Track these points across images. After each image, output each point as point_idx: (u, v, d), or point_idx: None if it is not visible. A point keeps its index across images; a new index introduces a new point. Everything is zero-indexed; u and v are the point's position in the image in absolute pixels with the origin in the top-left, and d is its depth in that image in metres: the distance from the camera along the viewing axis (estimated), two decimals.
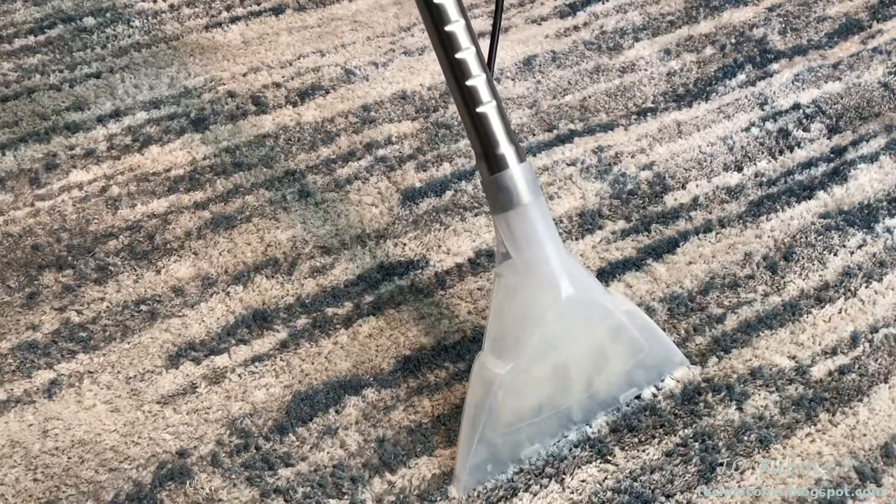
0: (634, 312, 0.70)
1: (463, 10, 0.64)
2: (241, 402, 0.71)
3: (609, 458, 0.66)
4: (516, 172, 0.64)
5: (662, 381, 0.71)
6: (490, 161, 0.64)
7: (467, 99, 0.64)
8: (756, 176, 0.89)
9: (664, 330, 0.75)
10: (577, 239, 0.83)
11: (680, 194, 0.87)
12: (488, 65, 0.66)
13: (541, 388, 0.66)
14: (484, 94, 0.64)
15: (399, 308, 0.78)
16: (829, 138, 0.93)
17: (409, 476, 0.66)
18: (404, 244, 0.83)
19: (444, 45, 0.64)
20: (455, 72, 0.64)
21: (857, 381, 0.71)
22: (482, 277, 0.80)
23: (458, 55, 0.63)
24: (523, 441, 0.67)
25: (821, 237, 0.82)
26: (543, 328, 0.65)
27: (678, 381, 0.71)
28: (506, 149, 0.64)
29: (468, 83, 0.64)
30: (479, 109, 0.64)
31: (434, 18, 0.63)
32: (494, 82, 0.66)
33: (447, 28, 0.63)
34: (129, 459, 0.68)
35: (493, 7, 1.14)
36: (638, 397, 0.70)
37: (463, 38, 0.64)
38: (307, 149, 0.94)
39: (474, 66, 0.64)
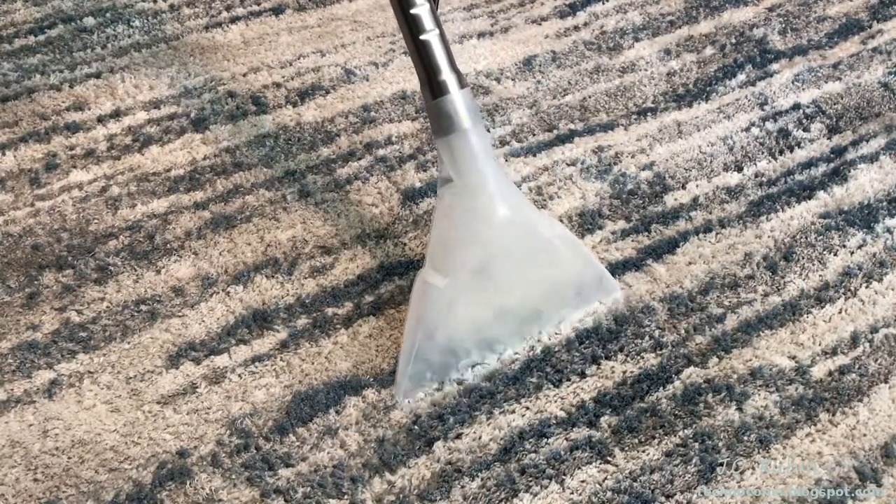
0: (568, 237, 0.75)
1: None
2: (241, 402, 0.71)
3: (609, 458, 0.66)
4: (457, 98, 0.69)
5: (595, 306, 0.76)
6: (433, 87, 0.69)
7: (412, 27, 0.70)
8: (756, 176, 0.89)
9: (662, 330, 0.75)
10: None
11: (680, 194, 0.87)
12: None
13: (477, 302, 0.71)
14: (427, 22, 0.69)
15: (399, 308, 0.78)
16: (829, 138, 0.93)
17: (408, 476, 0.66)
18: (404, 244, 0.83)
19: None
20: (401, 1, 0.70)
21: (857, 381, 0.71)
22: None
23: None
24: (461, 352, 0.71)
25: (821, 237, 0.82)
26: (479, 246, 0.70)
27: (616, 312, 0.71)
28: (447, 75, 0.69)
29: (412, 11, 0.69)
30: (422, 37, 0.69)
31: None
32: (438, 14, 0.72)
33: None
34: (130, 459, 0.68)
35: (493, 7, 1.14)
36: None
37: None
38: (307, 149, 0.94)
39: None
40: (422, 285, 0.71)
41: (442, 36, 0.70)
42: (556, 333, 0.74)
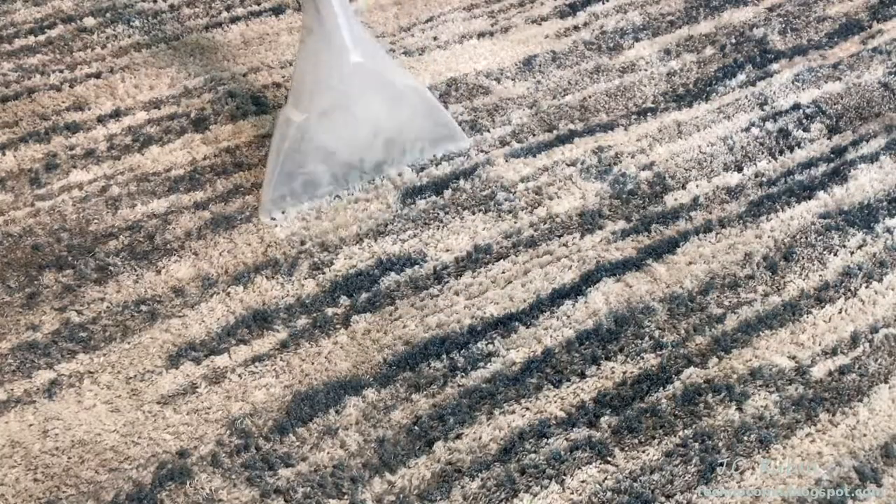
0: (419, 89, 0.85)
1: None
2: (242, 402, 0.71)
3: (609, 458, 0.66)
4: None
5: (444, 153, 0.88)
6: None
7: None
8: (756, 176, 0.89)
9: (662, 330, 0.75)
10: (577, 239, 0.83)
11: (680, 194, 0.87)
12: None
13: (331, 137, 0.82)
14: None
15: (397, 304, 0.78)
16: (829, 138, 0.93)
17: (408, 476, 0.66)
18: (403, 241, 0.83)
19: None
20: None
21: (857, 381, 0.71)
22: (480, 274, 0.80)
23: None
24: (318, 180, 0.83)
25: (821, 237, 0.82)
26: (334, 86, 0.80)
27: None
28: None
29: None
30: None
31: None
32: None
33: None
34: (130, 459, 0.68)
35: (493, 7, 1.14)
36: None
37: None
38: None
39: None
40: (282, 120, 0.81)
41: None
42: (399, 175, 0.86)
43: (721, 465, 0.66)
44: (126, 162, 0.93)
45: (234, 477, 0.67)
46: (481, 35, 1.09)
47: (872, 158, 0.90)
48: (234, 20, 1.11)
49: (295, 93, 0.81)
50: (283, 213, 0.83)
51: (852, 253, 0.81)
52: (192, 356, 0.75)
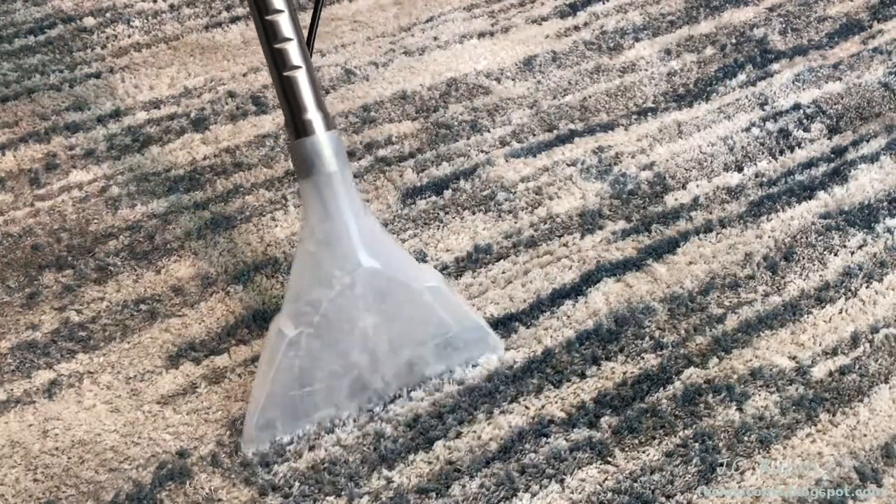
0: (441, 291, 0.70)
1: None
2: (241, 401, 0.71)
3: (609, 458, 0.66)
4: (322, 139, 0.65)
5: (475, 364, 0.73)
6: (297, 126, 0.65)
7: (277, 62, 0.66)
8: (756, 176, 0.89)
9: (662, 330, 0.75)
10: (577, 239, 0.83)
11: (680, 194, 0.87)
12: (308, 42, 0.69)
13: (333, 354, 0.67)
14: (294, 58, 0.65)
15: None
16: (829, 138, 0.93)
17: (406, 472, 0.66)
18: (403, 241, 0.83)
19: (259, 7, 0.66)
20: (267, 34, 0.66)
21: (857, 381, 0.71)
22: (480, 274, 0.80)
23: (269, 17, 0.65)
24: (317, 403, 0.68)
25: (821, 237, 0.82)
26: (336, 296, 0.66)
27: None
28: (313, 115, 0.65)
29: (277, 46, 0.65)
30: (286, 73, 0.66)
31: None
32: (307, 50, 0.67)
33: None
34: (129, 459, 0.68)
35: (493, 7, 1.14)
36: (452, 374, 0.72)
37: (277, 2, 0.65)
38: None
39: (286, 29, 0.66)
40: (275, 333, 0.67)
41: (310, 72, 0.66)
42: (428, 391, 0.72)
43: (721, 465, 0.66)
44: (126, 162, 0.93)
45: (233, 477, 0.67)
46: (481, 35, 1.09)
47: (873, 158, 0.90)
48: (234, 20, 1.11)
49: (290, 302, 0.67)
50: (270, 445, 0.68)
51: (853, 253, 0.81)
52: (191, 356, 0.75)
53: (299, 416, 0.68)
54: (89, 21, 1.11)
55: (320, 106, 0.66)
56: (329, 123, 0.66)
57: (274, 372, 0.66)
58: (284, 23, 0.65)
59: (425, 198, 0.88)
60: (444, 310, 0.70)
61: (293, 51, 0.65)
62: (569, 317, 0.76)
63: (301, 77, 0.65)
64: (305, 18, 1.12)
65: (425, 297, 0.69)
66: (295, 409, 0.68)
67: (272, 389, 0.66)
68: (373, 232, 0.67)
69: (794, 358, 0.72)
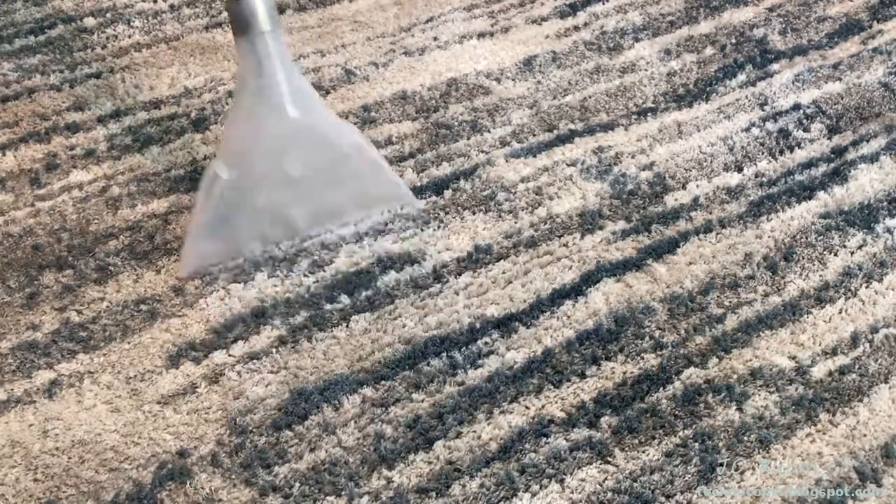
0: (361, 146, 0.79)
1: None
2: (240, 400, 0.71)
3: (609, 458, 0.66)
4: (257, 0, 0.73)
5: (390, 212, 0.82)
6: None
7: None
8: (756, 176, 0.89)
9: (662, 330, 0.75)
10: (577, 239, 0.83)
11: (680, 194, 0.87)
12: None
13: (261, 193, 0.77)
14: None
15: (396, 303, 0.78)
16: (829, 138, 0.93)
17: (406, 472, 0.66)
18: (402, 240, 0.83)
19: None
20: None
21: (857, 381, 0.71)
22: (480, 274, 0.80)
23: None
24: (243, 237, 0.78)
25: (821, 237, 0.82)
26: (266, 142, 0.76)
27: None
28: None
29: None
30: None
31: None
32: None
33: None
34: (130, 459, 0.68)
35: (493, 7, 1.14)
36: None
37: None
38: None
39: None
40: (209, 175, 0.76)
41: None
42: (339, 234, 0.81)
43: (721, 465, 0.66)
44: (126, 162, 0.93)
45: (233, 477, 0.67)
46: (481, 35, 1.09)
47: (872, 158, 0.90)
48: None
49: (226, 147, 0.77)
50: (205, 274, 0.78)
51: (852, 253, 0.81)
52: (192, 356, 0.75)
53: (230, 247, 0.78)
54: (89, 21, 1.11)
55: None
56: None
57: (209, 208, 0.75)
58: None
59: (425, 198, 0.88)
60: (362, 163, 0.79)
61: None
62: (569, 317, 0.76)
63: None
64: (306, 19, 1.12)
65: (345, 150, 0.78)
66: (226, 241, 0.77)
67: (207, 223, 0.76)
68: (300, 88, 0.75)
69: (793, 358, 0.72)
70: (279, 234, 0.79)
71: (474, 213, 0.86)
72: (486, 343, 0.75)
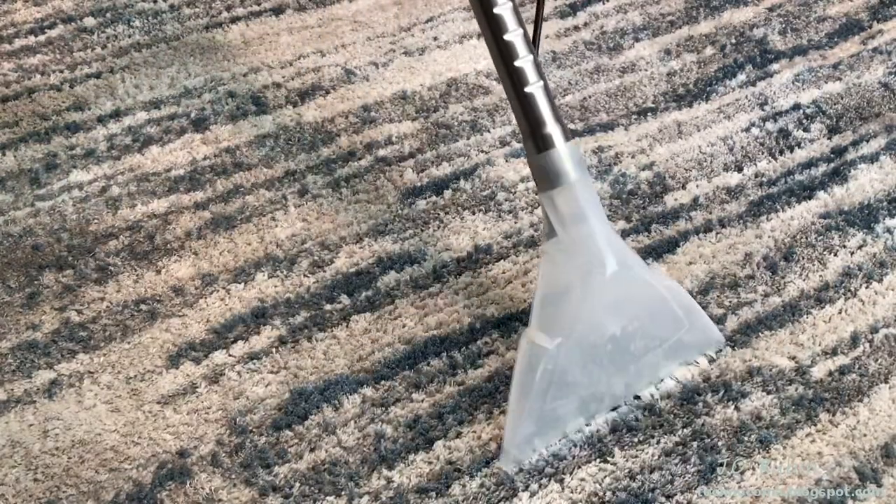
0: (676, 289, 0.71)
1: None
2: (240, 400, 0.71)
3: (608, 457, 0.66)
4: (563, 151, 0.66)
5: (698, 360, 0.72)
6: (537, 140, 0.66)
7: (515, 80, 0.66)
8: (756, 176, 0.89)
9: None
10: None
11: (680, 194, 0.87)
12: (534, 43, 0.69)
13: (587, 363, 0.67)
14: (531, 74, 0.67)
15: (396, 303, 0.78)
16: (829, 138, 0.93)
17: (406, 472, 0.66)
18: (403, 240, 0.83)
19: (492, 28, 0.66)
20: (503, 53, 0.66)
21: (857, 381, 0.71)
22: (480, 274, 0.80)
23: (506, 37, 0.66)
24: (568, 415, 0.67)
25: (821, 237, 0.82)
26: (591, 304, 0.66)
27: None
28: (552, 128, 0.66)
29: (516, 64, 0.66)
30: (527, 90, 0.66)
31: (482, 2, 0.66)
32: (540, 63, 0.68)
33: (496, 10, 0.66)
34: (130, 459, 0.68)
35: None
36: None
37: (510, 21, 0.66)
38: (307, 149, 0.94)
39: (521, 48, 0.66)
40: (529, 347, 0.66)
41: (546, 87, 0.67)
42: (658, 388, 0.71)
43: (721, 464, 0.66)
44: (126, 162, 0.93)
45: (233, 477, 0.67)
46: (481, 35, 1.09)
47: (872, 158, 0.90)
48: (234, 20, 1.11)
49: (542, 311, 0.66)
50: (530, 458, 0.67)
51: (852, 253, 0.81)
52: (192, 356, 0.75)
53: (555, 428, 0.67)
54: (89, 21, 1.11)
55: (557, 118, 0.67)
56: (567, 134, 0.66)
57: (533, 387, 0.65)
58: (520, 42, 0.66)
59: (425, 198, 0.88)
60: (678, 307, 0.70)
61: (530, 67, 0.66)
62: None
63: (539, 92, 0.66)
64: (306, 19, 1.12)
65: (665, 295, 0.69)
66: (551, 422, 0.67)
67: (531, 406, 0.65)
68: (612, 237, 0.67)
69: (793, 358, 0.72)
70: (602, 405, 0.69)
71: (474, 213, 0.86)
72: (485, 343, 0.75)
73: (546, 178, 0.66)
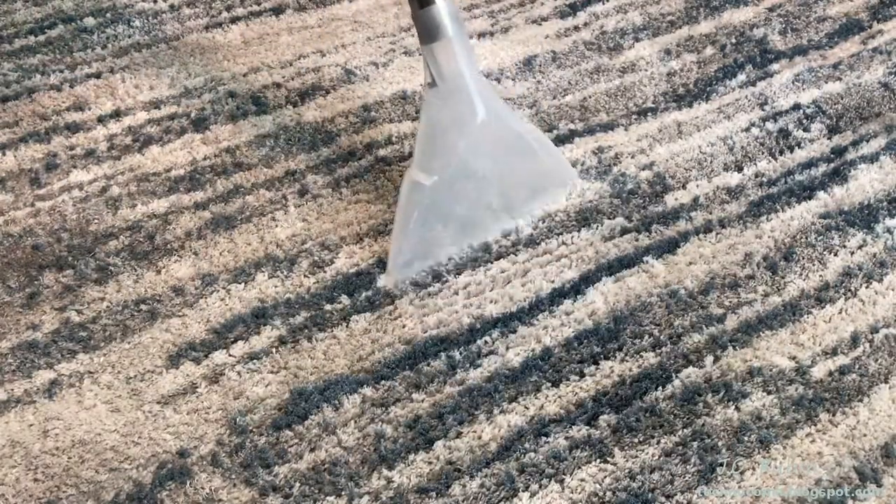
0: (536, 133, 0.83)
1: None
2: (240, 400, 0.71)
3: (608, 457, 0.66)
4: (441, 7, 0.75)
5: (557, 195, 0.85)
6: None
7: None
8: (756, 176, 0.89)
9: (661, 329, 0.75)
10: (576, 238, 0.83)
11: (680, 194, 0.87)
12: None
13: (460, 198, 0.79)
14: None
15: (396, 303, 0.78)
16: (829, 138, 0.93)
17: (406, 472, 0.66)
18: None
19: None
20: None
21: (857, 381, 0.71)
22: (479, 273, 0.80)
23: None
24: (444, 243, 0.79)
25: (821, 237, 0.82)
26: (464, 145, 0.77)
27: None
28: None
29: None
30: None
31: None
32: None
33: None
34: (130, 459, 0.68)
35: (493, 7, 1.14)
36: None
37: None
38: (307, 149, 0.94)
39: None
40: (410, 183, 0.77)
41: None
42: (532, 221, 0.83)
43: (721, 464, 0.66)
44: (126, 162, 0.93)
45: (233, 477, 0.67)
46: (481, 35, 1.09)
47: (872, 158, 0.90)
48: (235, 20, 1.11)
49: (421, 153, 0.78)
50: (410, 277, 0.79)
51: (852, 253, 0.81)
52: (192, 356, 0.75)
53: (429, 254, 0.79)
54: (89, 21, 1.11)
55: None
56: None
57: (413, 218, 0.77)
58: None
59: None
60: (541, 151, 0.82)
61: None
62: (568, 316, 0.76)
63: None
64: (306, 19, 1.12)
65: (530, 142, 0.81)
66: (426, 249, 0.78)
67: (410, 232, 0.77)
68: (485, 88, 0.77)
69: (793, 358, 0.72)
70: (473, 237, 0.81)
71: None
72: (485, 343, 0.75)
73: (427, 32, 0.75)
